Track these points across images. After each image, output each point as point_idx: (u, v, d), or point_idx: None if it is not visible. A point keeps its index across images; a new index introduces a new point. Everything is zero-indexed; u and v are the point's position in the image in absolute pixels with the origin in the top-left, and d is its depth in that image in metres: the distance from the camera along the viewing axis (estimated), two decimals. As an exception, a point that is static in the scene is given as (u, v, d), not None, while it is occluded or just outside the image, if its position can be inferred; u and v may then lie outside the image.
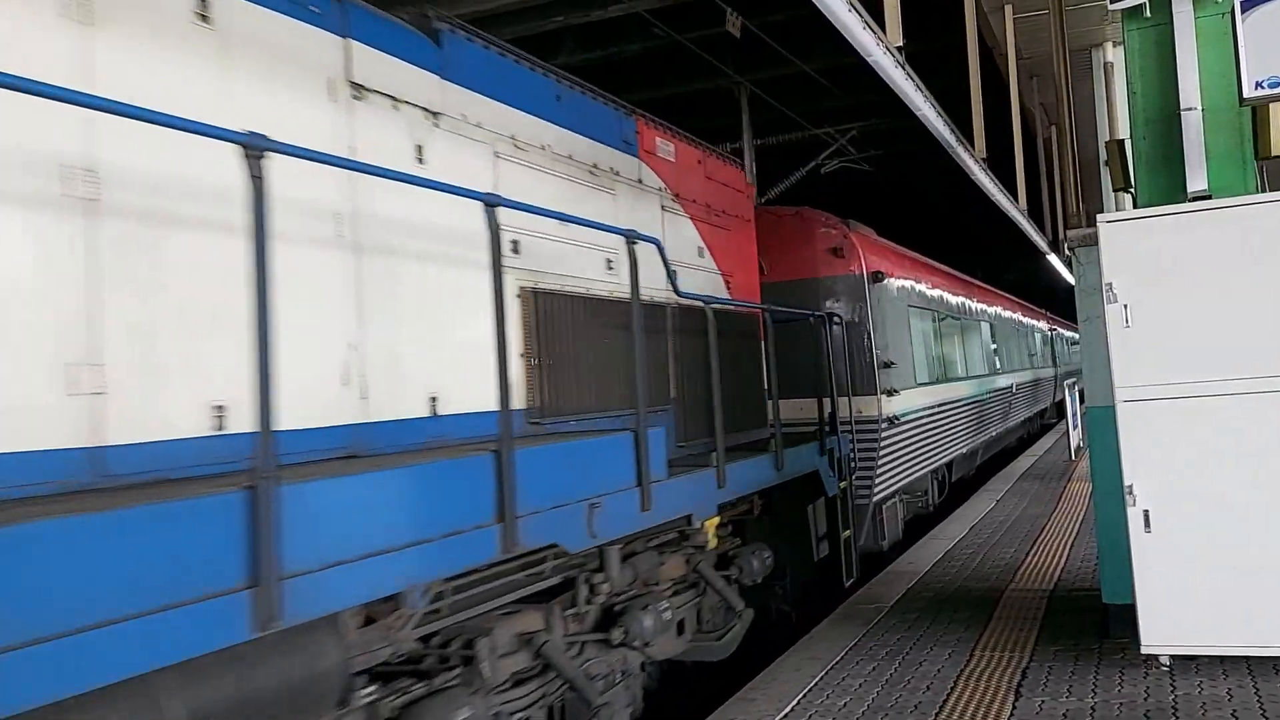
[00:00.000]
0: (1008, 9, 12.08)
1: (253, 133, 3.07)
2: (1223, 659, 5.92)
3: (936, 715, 5.52)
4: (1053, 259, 19.72)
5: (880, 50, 6.36)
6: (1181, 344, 5.67)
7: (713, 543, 6.73)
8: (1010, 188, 13.51)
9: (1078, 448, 18.38)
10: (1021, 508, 13.01)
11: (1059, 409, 33.83)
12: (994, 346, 19.50)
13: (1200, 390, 5.64)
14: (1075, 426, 18.61)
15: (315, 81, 4.20)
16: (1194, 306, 5.65)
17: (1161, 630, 5.76)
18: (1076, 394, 18.94)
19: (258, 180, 3.04)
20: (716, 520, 6.66)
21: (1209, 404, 5.62)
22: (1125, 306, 5.77)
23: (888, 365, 10.95)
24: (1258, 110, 6.28)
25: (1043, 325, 30.34)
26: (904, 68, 6.91)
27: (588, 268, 6.16)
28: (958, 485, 15.81)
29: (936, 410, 13.19)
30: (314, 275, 4.14)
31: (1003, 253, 39.36)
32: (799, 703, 5.91)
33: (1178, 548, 5.71)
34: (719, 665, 7.74)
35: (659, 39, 14.70)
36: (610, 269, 6.41)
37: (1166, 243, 5.73)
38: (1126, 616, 6.13)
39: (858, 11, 5.80)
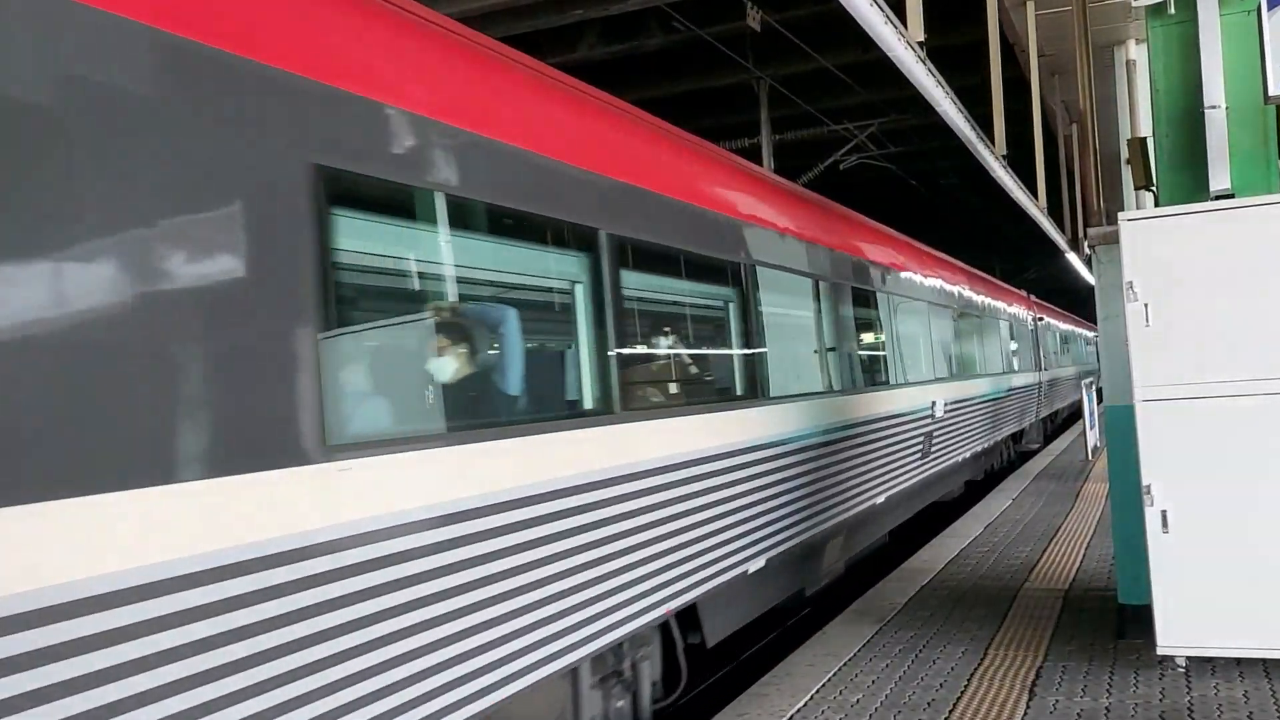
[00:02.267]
0: (1029, 5, 11.99)
1: None
2: (1239, 661, 5.89)
3: (950, 712, 5.51)
4: (1072, 257, 19.60)
5: (901, 46, 6.34)
6: (1202, 343, 5.64)
7: None
8: (1030, 186, 13.43)
9: (1095, 448, 18.28)
10: (1037, 507, 12.96)
11: (1048, 427, 26.67)
12: (889, 338, 11.01)
13: (1220, 391, 5.60)
14: (1092, 426, 18.50)
15: None
16: (1215, 306, 5.61)
17: (1178, 631, 5.73)
18: (1094, 393, 18.83)
19: None
20: None
21: (1229, 404, 5.58)
22: (1145, 305, 5.74)
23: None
24: (1282, 109, 6.23)
25: (1019, 311, 21.34)
26: (925, 63, 6.88)
27: None
28: (771, 619, 8.80)
29: (630, 485, 5.39)
30: None
31: (1022, 251, 39.25)
32: (813, 697, 5.91)
33: (1195, 549, 5.67)
34: (732, 659, 7.75)
35: (679, 33, 14.70)
36: None
37: (1188, 241, 5.69)
38: (1142, 617, 6.11)
39: (879, 6, 5.78)
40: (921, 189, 26.27)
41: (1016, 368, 19.89)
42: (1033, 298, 25.33)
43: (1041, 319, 25.15)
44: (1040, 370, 23.61)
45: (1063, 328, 31.63)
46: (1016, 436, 20.74)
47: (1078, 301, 41.80)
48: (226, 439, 3.16)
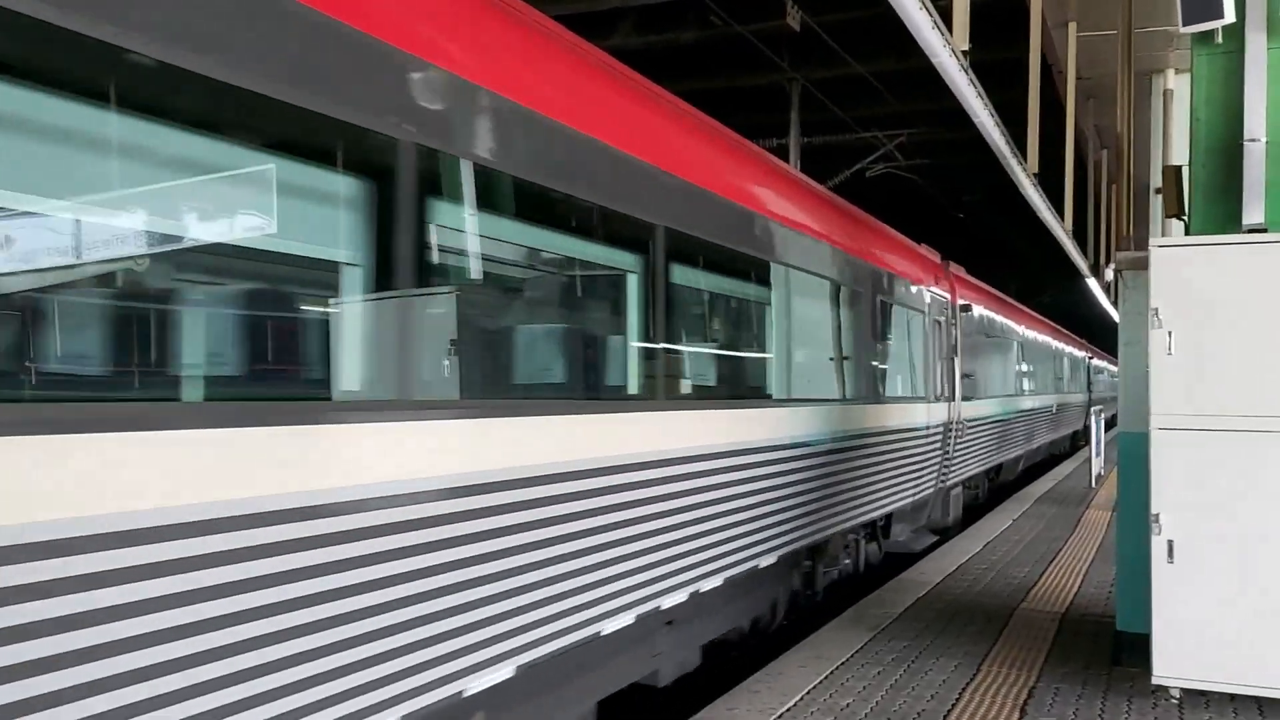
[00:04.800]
0: (1071, 26, 11.95)
1: None
2: (1234, 697, 5.86)
3: (940, 725, 5.49)
4: (1091, 283, 19.52)
5: (946, 53, 6.30)
6: (1223, 375, 5.60)
7: None
8: (1057, 208, 13.38)
9: (1098, 475, 18.24)
10: (1037, 529, 12.93)
11: (981, 493, 16.21)
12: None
13: (1238, 425, 5.56)
14: (1098, 454, 18.46)
15: None
16: (1239, 339, 5.57)
17: (1175, 662, 5.70)
18: (1102, 420, 18.77)
19: None
20: None
21: (1246, 439, 5.54)
22: (1169, 333, 5.70)
23: None
24: (1323, 148, 6.18)
25: (898, 284, 10.89)
26: (967, 73, 6.84)
27: None
28: None
29: None
30: None
31: (1040, 275, 39.16)
32: (803, 698, 5.90)
33: (1199, 581, 5.64)
34: (725, 655, 7.74)
35: (716, 28, 14.66)
36: None
37: (1218, 272, 5.65)
38: (1140, 646, 6.08)
39: (928, 10, 5.75)
40: (945, 202, 26.17)
41: (866, 392, 9.60)
42: (953, 268, 13.69)
43: (967, 308, 13.79)
44: (951, 400, 12.79)
45: (1026, 335, 19.91)
46: (880, 525, 10.64)
47: (1089, 331, 41.58)
48: None
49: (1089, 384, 36.16)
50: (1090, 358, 36.95)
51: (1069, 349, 29.54)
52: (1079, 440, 31.28)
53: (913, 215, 26.61)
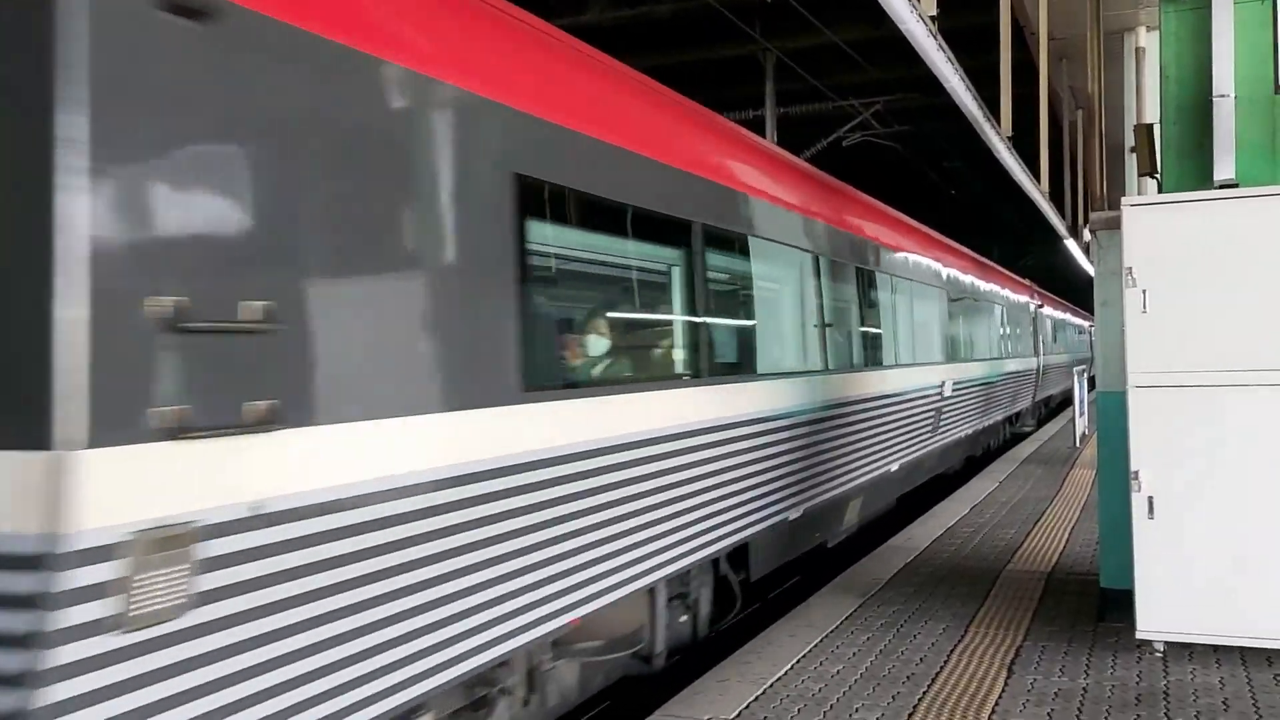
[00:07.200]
0: (1043, -13, 11.92)
1: None
2: (1217, 648, 5.94)
3: (929, 687, 5.55)
4: (1071, 244, 19.57)
5: (914, 19, 6.30)
6: (1198, 332, 5.64)
7: None
8: (1033, 171, 13.39)
9: (1083, 435, 18.37)
10: (1023, 490, 13.02)
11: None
12: None
13: (1214, 380, 5.61)
14: (1081, 414, 18.57)
15: None
16: (1213, 295, 5.61)
17: (1158, 616, 5.78)
18: (1085, 380, 18.88)
19: None
20: None
21: (1222, 394, 5.59)
22: (1144, 292, 5.74)
23: None
24: (1291, 101, 6.21)
25: None
26: (936, 38, 6.84)
27: None
28: None
29: None
30: None
31: (1021, 237, 39.26)
32: (793, 666, 5.95)
33: (1179, 536, 5.71)
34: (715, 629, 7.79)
35: (689, 1, 14.61)
36: None
37: (1190, 230, 5.69)
38: (1123, 602, 6.15)
39: (894, -23, 5.74)
40: (925, 169, 26.16)
41: None
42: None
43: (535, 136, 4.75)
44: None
45: (845, 242, 9.30)
46: None
47: (1073, 291, 41.64)
48: None
49: (1037, 345, 25.26)
50: (1040, 306, 26.41)
51: (997, 289, 19.03)
52: (1019, 422, 23.32)
53: (897, 186, 26.63)
